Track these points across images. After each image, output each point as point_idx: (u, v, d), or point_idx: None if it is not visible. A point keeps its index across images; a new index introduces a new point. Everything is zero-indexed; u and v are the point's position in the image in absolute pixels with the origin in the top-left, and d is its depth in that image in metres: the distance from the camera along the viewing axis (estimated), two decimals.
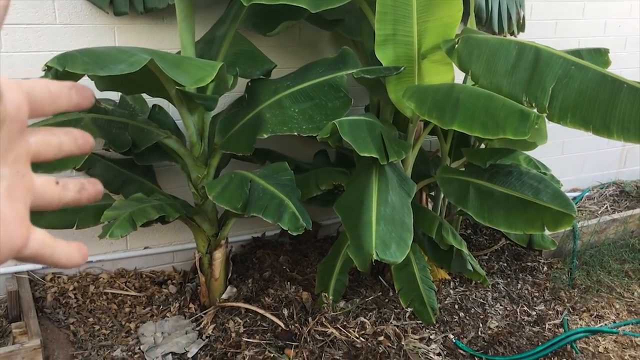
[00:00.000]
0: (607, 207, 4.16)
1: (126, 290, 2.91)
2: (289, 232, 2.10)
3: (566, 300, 3.09)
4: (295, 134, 2.37)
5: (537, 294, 3.13)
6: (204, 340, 2.59)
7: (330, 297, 2.68)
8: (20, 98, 0.38)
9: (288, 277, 2.97)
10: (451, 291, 3.03)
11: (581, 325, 2.90)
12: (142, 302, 2.86)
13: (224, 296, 2.78)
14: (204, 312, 2.75)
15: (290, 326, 2.57)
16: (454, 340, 2.66)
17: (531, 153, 3.11)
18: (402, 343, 2.53)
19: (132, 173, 2.74)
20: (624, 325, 2.91)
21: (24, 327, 2.44)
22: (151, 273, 3.08)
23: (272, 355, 2.42)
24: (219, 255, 2.72)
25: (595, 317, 2.99)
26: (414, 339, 2.60)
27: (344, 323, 2.59)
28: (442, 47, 2.38)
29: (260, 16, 2.67)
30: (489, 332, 2.76)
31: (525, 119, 2.05)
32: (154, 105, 2.70)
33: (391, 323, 2.66)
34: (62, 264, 0.42)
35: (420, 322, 2.72)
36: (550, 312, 2.98)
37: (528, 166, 3.04)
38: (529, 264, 3.40)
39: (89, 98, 0.43)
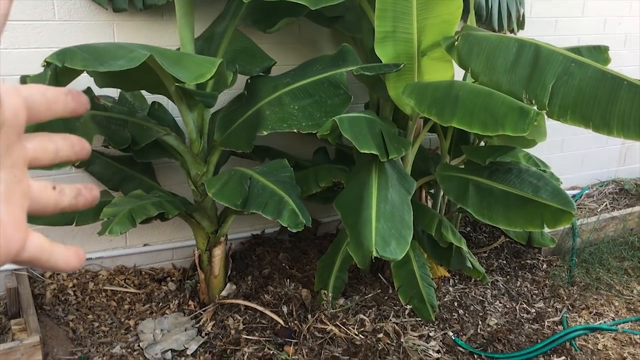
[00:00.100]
0: (606, 204, 4.16)
1: (125, 287, 2.91)
2: (288, 229, 2.10)
3: (565, 298, 3.09)
4: (295, 131, 2.36)
5: (536, 292, 3.14)
6: (203, 337, 2.59)
7: (330, 294, 2.68)
8: (19, 104, 0.39)
9: (287, 275, 2.97)
10: (450, 288, 3.04)
11: (580, 322, 2.90)
12: (142, 299, 2.86)
13: (224, 293, 2.78)
14: (204, 309, 2.75)
15: (289, 323, 2.57)
16: (453, 338, 2.66)
17: (531, 151, 3.11)
18: (402, 340, 2.53)
19: (132, 170, 2.74)
20: (623, 322, 2.92)
21: (23, 324, 2.44)
22: (150, 270, 3.08)
23: (271, 352, 2.42)
24: (218, 252, 2.72)
25: (594, 314, 2.99)
26: (413, 336, 2.60)
27: (344, 320, 2.59)
28: (441, 44, 2.38)
29: (259, 13, 2.67)
30: (488, 329, 2.77)
31: (524, 115, 2.05)
32: (153, 102, 2.69)
33: (390, 320, 2.67)
34: (60, 267, 0.42)
35: (420, 319, 2.72)
36: (550, 309, 2.98)
37: (527, 164, 3.04)
38: (528, 261, 3.40)
39: (85, 104, 0.44)
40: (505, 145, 2.77)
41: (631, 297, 3.15)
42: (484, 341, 2.68)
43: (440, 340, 2.63)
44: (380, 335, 2.53)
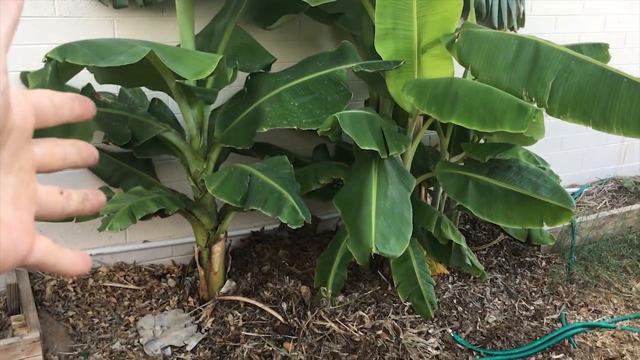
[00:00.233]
0: (605, 202, 4.17)
1: (125, 284, 2.91)
2: (288, 225, 2.10)
3: (564, 295, 3.10)
4: (295, 127, 2.37)
5: (535, 289, 3.14)
6: (202, 333, 2.59)
7: (329, 291, 2.69)
8: (27, 109, 0.39)
9: (287, 271, 2.97)
10: (450, 286, 3.04)
11: (579, 320, 2.91)
12: (141, 295, 2.86)
13: (223, 290, 2.78)
14: (203, 305, 2.76)
15: (289, 320, 2.57)
16: (452, 335, 2.67)
17: (530, 148, 3.11)
18: (401, 337, 2.54)
19: (132, 166, 2.74)
20: (622, 320, 2.92)
21: (23, 320, 2.44)
22: (150, 267, 3.09)
23: (270, 348, 2.42)
24: (218, 249, 2.72)
25: (593, 312, 3.00)
26: (413, 333, 2.61)
27: (343, 317, 2.60)
28: (442, 42, 2.38)
29: (260, 9, 2.67)
30: (487, 326, 2.77)
31: (523, 112, 2.05)
32: (154, 99, 2.69)
33: (390, 317, 2.67)
34: (66, 272, 0.43)
35: (419, 316, 2.72)
36: (549, 307, 2.99)
37: (527, 161, 3.05)
38: (527, 259, 3.40)
39: (91, 110, 0.45)
40: (505, 142, 2.77)
41: (630, 295, 3.16)
42: (483, 338, 2.69)
43: (439, 337, 2.64)
44: (380, 332, 2.54)
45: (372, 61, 2.47)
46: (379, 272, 3.02)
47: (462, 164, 2.87)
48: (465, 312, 2.86)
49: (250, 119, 2.46)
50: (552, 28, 3.90)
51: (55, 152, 0.43)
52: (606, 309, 3.03)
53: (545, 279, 3.23)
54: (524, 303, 3.00)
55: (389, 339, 2.52)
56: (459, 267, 2.97)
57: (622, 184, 4.46)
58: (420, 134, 2.78)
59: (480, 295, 3.01)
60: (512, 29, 3.51)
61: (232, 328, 2.57)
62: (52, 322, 2.57)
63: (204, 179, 2.36)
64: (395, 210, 2.33)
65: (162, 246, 3.12)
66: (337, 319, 2.57)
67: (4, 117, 0.36)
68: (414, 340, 2.55)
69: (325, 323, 2.55)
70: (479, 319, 2.82)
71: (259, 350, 2.42)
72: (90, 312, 2.70)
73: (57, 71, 1.87)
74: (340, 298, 2.77)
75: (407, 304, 2.75)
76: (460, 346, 2.61)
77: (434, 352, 2.53)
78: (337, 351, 2.42)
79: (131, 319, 2.69)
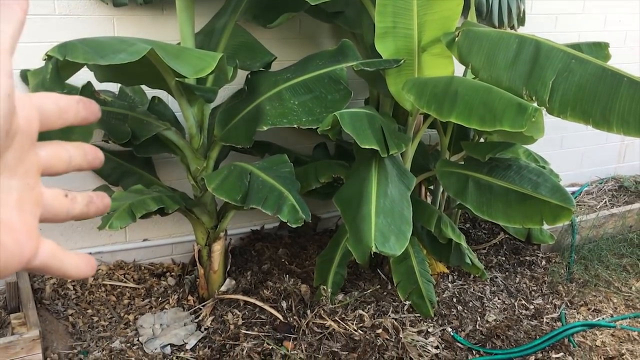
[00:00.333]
0: (605, 201, 4.17)
1: (125, 282, 2.91)
2: (288, 224, 2.10)
3: (564, 294, 3.10)
4: (295, 126, 2.36)
5: (535, 288, 3.14)
6: (202, 332, 2.59)
7: (329, 290, 2.69)
8: (32, 112, 0.39)
9: (287, 270, 2.97)
10: (449, 284, 3.04)
11: (579, 319, 2.91)
12: (141, 294, 2.86)
13: (223, 288, 2.78)
14: (203, 304, 2.76)
15: (288, 318, 2.57)
16: (452, 334, 2.67)
17: (530, 147, 3.11)
18: (400, 336, 2.54)
19: (132, 165, 2.74)
20: (622, 319, 2.92)
21: (22, 318, 2.45)
22: (150, 265, 3.09)
23: (270, 347, 2.42)
24: (217, 247, 2.72)
25: (592, 311, 3.00)
26: (412, 331, 2.61)
27: (343, 316, 2.60)
28: (442, 40, 2.38)
29: (260, 8, 2.67)
30: (487, 325, 2.77)
31: (522, 111, 2.05)
32: (154, 97, 2.69)
33: (389, 316, 2.67)
34: (70, 275, 0.43)
35: (419, 315, 2.72)
36: (548, 306, 2.99)
37: (527, 160, 3.05)
38: (527, 258, 3.40)
39: (96, 113, 0.45)
40: (505, 141, 2.77)
41: (629, 294, 3.16)
42: (483, 337, 2.69)
43: (439, 336, 2.64)
44: (379, 330, 2.54)
45: (372, 60, 2.46)
46: (378, 270, 3.02)
47: (462, 162, 2.87)
48: (465, 311, 2.86)
49: (251, 118, 2.46)
50: (552, 27, 3.90)
51: (60, 155, 0.43)
52: (606, 308, 3.03)
53: (545, 278, 3.23)
54: (523, 302, 3.00)
55: (388, 337, 2.52)
56: (459, 266, 2.97)
57: (622, 183, 4.46)
58: (421, 132, 2.78)
59: (480, 294, 3.01)
60: (512, 27, 3.51)
61: (232, 327, 2.57)
62: (51, 321, 2.57)
63: (204, 178, 2.36)
64: (395, 209, 2.32)
65: (161, 245, 3.12)
66: (336, 318, 2.57)
67: (9, 120, 0.36)
68: (413, 339, 2.55)
69: (325, 322, 2.55)
70: (479, 318, 2.82)
71: (259, 349, 2.42)
72: (90, 311, 2.70)
73: (58, 69, 1.87)
74: (340, 297, 2.77)
75: (407, 302, 2.75)
76: (459, 345, 2.62)
77: (434, 350, 2.53)
78: (336, 350, 2.42)
79: (131, 317, 2.69)
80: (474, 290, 3.03)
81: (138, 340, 2.55)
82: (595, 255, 3.49)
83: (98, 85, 2.44)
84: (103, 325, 2.64)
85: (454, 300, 2.93)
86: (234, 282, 2.83)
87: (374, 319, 2.62)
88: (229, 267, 2.85)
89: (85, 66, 2.01)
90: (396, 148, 2.34)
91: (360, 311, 2.65)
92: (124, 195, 2.31)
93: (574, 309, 3.00)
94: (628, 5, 4.19)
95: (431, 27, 2.42)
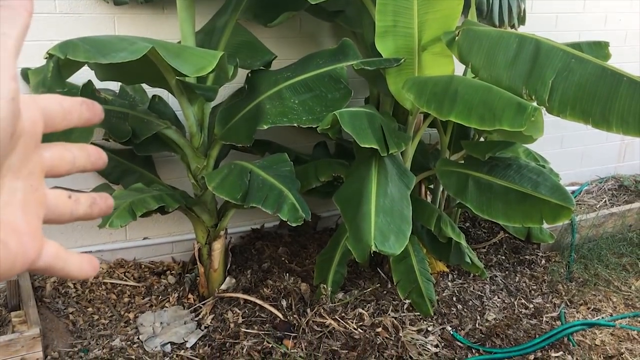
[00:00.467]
0: (605, 201, 4.17)
1: (125, 281, 2.91)
2: (288, 223, 2.10)
3: (564, 294, 3.10)
4: (295, 125, 2.37)
5: (534, 287, 3.14)
6: (202, 330, 2.60)
7: (329, 289, 2.69)
8: (36, 114, 0.40)
9: (287, 269, 2.98)
10: (449, 283, 3.04)
11: (578, 318, 2.91)
12: (141, 292, 2.87)
13: (223, 287, 2.79)
14: (203, 302, 2.76)
15: (288, 317, 2.58)
16: (452, 332, 2.67)
17: (530, 146, 3.11)
18: (400, 334, 2.54)
19: (132, 163, 2.75)
20: (621, 318, 2.93)
21: (23, 316, 2.45)
22: (150, 263, 3.09)
23: (270, 345, 2.43)
24: (218, 246, 2.72)
25: (592, 310, 3.00)
26: (412, 330, 2.61)
27: (342, 314, 2.60)
28: (442, 39, 2.38)
29: (260, 7, 2.67)
30: (487, 324, 2.78)
31: (522, 111, 2.06)
32: (154, 96, 2.69)
33: (389, 315, 2.68)
34: (74, 275, 0.43)
35: (418, 314, 2.73)
36: (548, 305, 2.99)
37: (527, 159, 3.05)
38: (527, 257, 3.41)
39: (99, 114, 0.45)
40: (505, 140, 2.77)
41: (629, 293, 3.16)
42: (482, 336, 2.69)
43: (439, 335, 2.64)
44: (379, 329, 2.55)
45: (373, 59, 2.47)
46: (378, 269, 3.03)
47: (462, 161, 2.87)
48: (465, 309, 2.87)
49: (251, 116, 2.47)
50: (552, 26, 3.90)
51: (64, 157, 0.43)
52: (605, 307, 3.03)
53: (545, 277, 3.23)
54: (523, 301, 3.00)
55: (388, 336, 2.52)
56: (459, 265, 2.97)
57: (622, 182, 4.46)
58: (421, 131, 2.78)
59: (479, 293, 3.02)
60: (512, 27, 3.51)
61: (232, 325, 2.57)
62: (52, 319, 2.58)
63: (204, 176, 2.37)
64: (395, 208, 2.33)
65: (162, 243, 3.12)
66: (336, 317, 2.58)
67: (14, 123, 0.36)
68: (413, 338, 2.56)
69: (325, 320, 2.55)
70: (479, 317, 2.83)
71: (259, 347, 2.43)
72: (90, 309, 2.71)
73: (59, 68, 1.88)
74: (340, 295, 2.78)
75: (407, 301, 2.75)
76: (459, 344, 2.62)
77: (433, 349, 2.53)
78: (336, 348, 2.43)
79: (131, 315, 2.70)
80: (473, 289, 3.04)
81: (138, 338, 2.55)
82: (594, 254, 3.49)
83: (99, 84, 2.45)
84: (103, 323, 2.64)
85: (454, 299, 2.93)
86: (234, 280, 2.83)
87: (374, 318, 2.62)
88: (229, 266, 2.86)
89: (86, 65, 2.02)
90: (396, 147, 2.35)
91: (360, 310, 2.66)
92: (125, 193, 2.32)
93: (574, 308, 3.00)
94: (628, 5, 4.19)
95: (431, 26, 2.42)
